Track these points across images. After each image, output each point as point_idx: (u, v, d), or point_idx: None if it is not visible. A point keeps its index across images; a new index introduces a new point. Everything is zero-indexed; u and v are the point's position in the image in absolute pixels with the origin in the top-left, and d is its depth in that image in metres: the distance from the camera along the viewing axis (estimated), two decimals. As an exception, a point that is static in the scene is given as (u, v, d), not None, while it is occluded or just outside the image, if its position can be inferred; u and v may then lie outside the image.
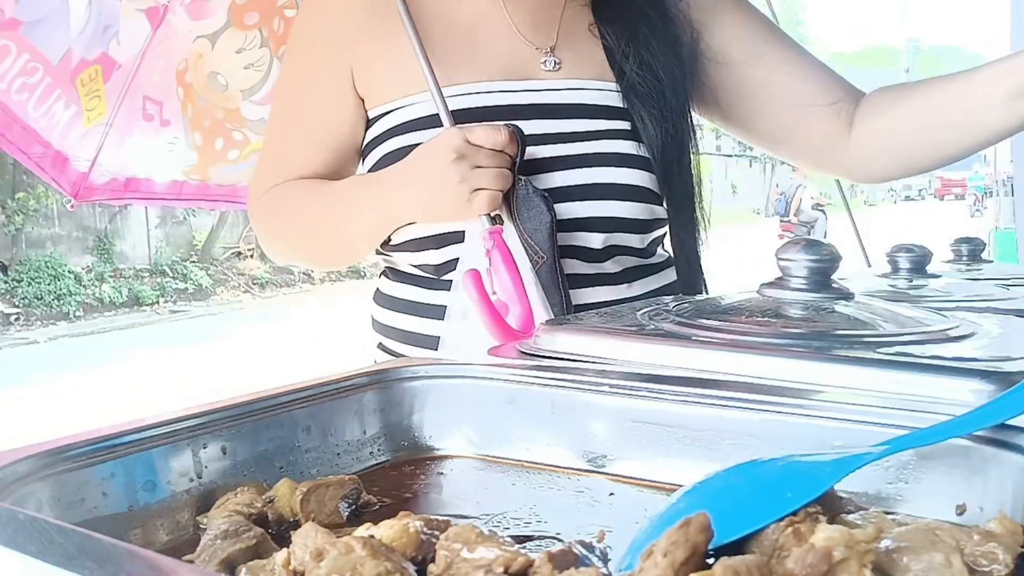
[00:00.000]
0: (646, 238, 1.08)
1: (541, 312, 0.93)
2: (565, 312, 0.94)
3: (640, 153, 1.05)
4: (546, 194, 0.95)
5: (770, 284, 0.73)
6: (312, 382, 0.64)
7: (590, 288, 1.02)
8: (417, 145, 0.97)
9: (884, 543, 0.38)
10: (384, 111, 1.06)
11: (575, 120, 1.04)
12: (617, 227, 1.03)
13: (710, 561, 0.35)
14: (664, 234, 1.12)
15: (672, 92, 1.06)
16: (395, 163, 0.99)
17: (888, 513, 0.46)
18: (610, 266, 1.05)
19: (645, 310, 0.79)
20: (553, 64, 1.06)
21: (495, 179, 0.92)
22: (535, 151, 1.00)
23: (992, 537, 0.39)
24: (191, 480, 0.55)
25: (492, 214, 0.94)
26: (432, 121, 0.99)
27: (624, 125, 1.06)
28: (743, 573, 0.33)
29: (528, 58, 1.06)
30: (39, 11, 1.89)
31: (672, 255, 1.13)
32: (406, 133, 1.03)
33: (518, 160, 0.95)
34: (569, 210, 1.00)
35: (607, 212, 1.03)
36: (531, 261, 0.94)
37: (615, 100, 1.07)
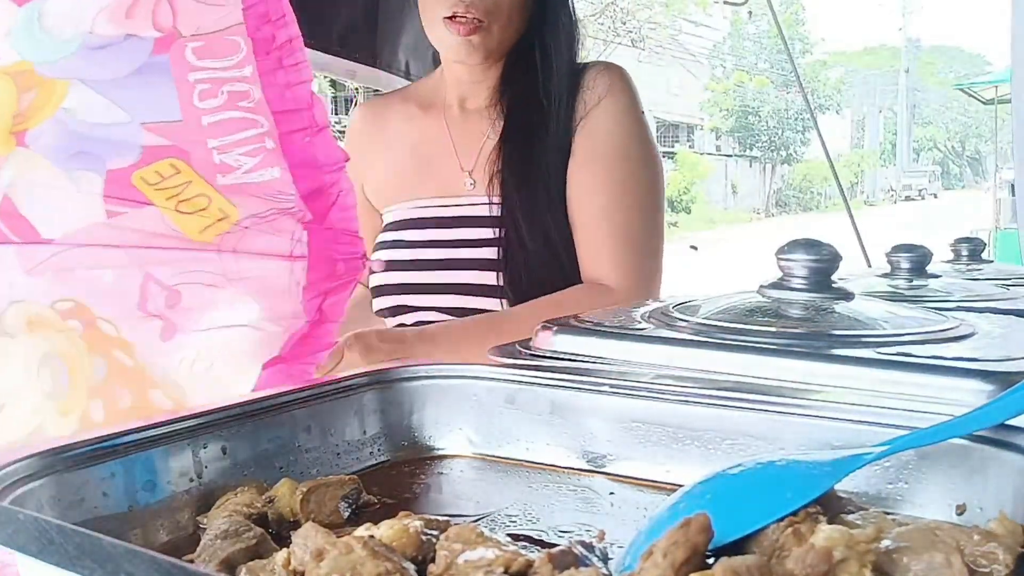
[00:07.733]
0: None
1: None
2: None
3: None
4: None
5: (770, 284, 0.73)
6: (312, 382, 0.64)
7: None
8: (396, 241, 1.23)
9: (884, 543, 0.38)
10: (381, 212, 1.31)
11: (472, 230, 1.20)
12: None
13: (710, 561, 0.35)
14: None
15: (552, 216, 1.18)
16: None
17: (888, 513, 0.46)
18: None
19: (645, 310, 0.78)
20: (471, 183, 1.22)
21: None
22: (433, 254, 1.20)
23: (992, 537, 0.39)
24: (191, 480, 0.55)
25: None
26: (401, 224, 1.24)
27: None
28: (743, 573, 0.33)
29: (455, 176, 1.23)
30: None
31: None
32: (387, 231, 1.26)
33: None
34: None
35: (453, 304, 1.19)
36: None
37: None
